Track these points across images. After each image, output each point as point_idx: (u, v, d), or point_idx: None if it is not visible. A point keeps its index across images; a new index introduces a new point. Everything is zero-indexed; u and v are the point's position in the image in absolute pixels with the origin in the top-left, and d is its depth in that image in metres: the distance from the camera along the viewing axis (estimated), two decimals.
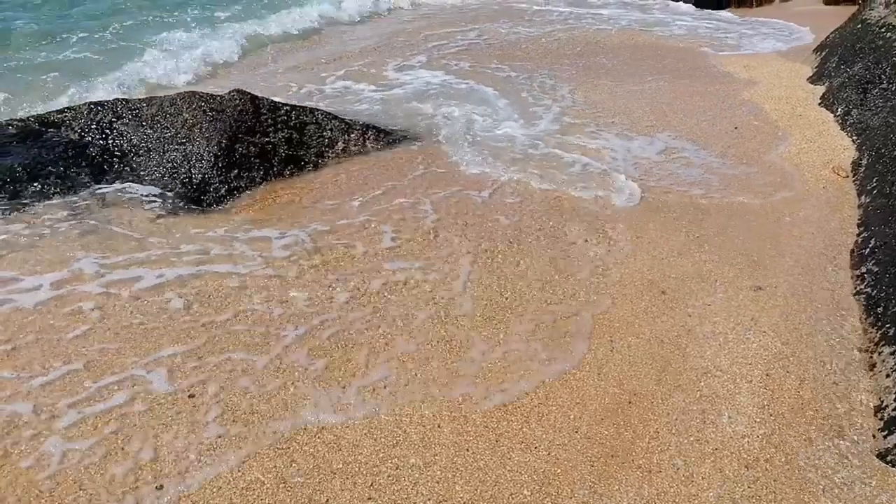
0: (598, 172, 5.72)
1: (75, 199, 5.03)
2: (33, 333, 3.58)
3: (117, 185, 5.25)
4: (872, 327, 3.91)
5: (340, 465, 2.89)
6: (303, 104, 6.45)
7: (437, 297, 4.05)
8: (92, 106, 5.71)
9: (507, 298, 4.07)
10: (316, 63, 9.14)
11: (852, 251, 4.64)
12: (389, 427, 3.09)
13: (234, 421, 3.07)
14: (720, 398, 3.36)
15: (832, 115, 6.61)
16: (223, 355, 3.47)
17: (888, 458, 3.05)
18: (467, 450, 2.99)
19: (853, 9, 8.99)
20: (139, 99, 5.84)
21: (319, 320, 3.79)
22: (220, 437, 2.98)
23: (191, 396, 3.19)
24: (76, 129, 5.54)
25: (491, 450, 3.01)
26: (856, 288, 4.28)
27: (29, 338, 3.54)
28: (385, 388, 3.32)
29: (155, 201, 5.07)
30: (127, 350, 3.49)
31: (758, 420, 3.23)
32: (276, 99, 6.28)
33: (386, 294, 4.07)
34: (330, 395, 3.25)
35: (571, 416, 3.21)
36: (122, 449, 2.91)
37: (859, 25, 7.73)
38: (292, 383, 3.32)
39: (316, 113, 6.26)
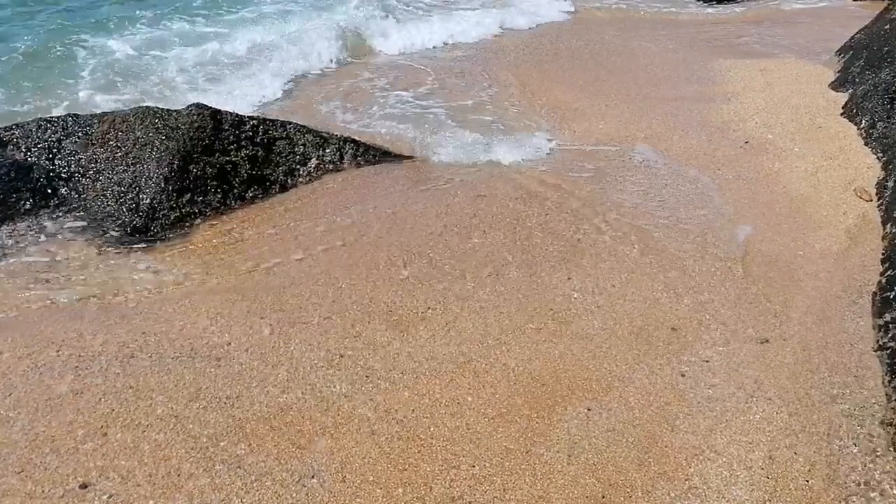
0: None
1: (11, 229, 4.60)
2: None
3: (60, 213, 4.81)
4: None
5: None
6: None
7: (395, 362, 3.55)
8: (41, 122, 5.26)
9: (469, 350, 3.56)
10: None
11: (874, 294, 4.06)
12: None
13: None
14: (713, 491, 2.82)
15: (855, 128, 5.98)
16: (132, 431, 3.00)
17: None
18: None
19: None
20: (92, 115, 5.38)
21: (235, 386, 3.31)
22: None
23: (83, 487, 2.71)
24: (22, 148, 5.10)
25: None
26: (878, 341, 3.70)
27: None
28: (313, 477, 2.82)
29: (98, 232, 4.61)
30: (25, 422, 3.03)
31: None
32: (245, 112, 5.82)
33: (323, 367, 3.57)
34: (231, 483, 2.76)
35: None
36: None
37: (887, 26, 7.06)
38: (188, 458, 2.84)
39: (287, 127, 5.75)
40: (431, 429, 3.08)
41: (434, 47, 9.09)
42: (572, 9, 11.00)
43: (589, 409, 3.22)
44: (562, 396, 3.30)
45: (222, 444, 2.93)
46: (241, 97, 7.03)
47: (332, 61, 8.33)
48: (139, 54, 7.99)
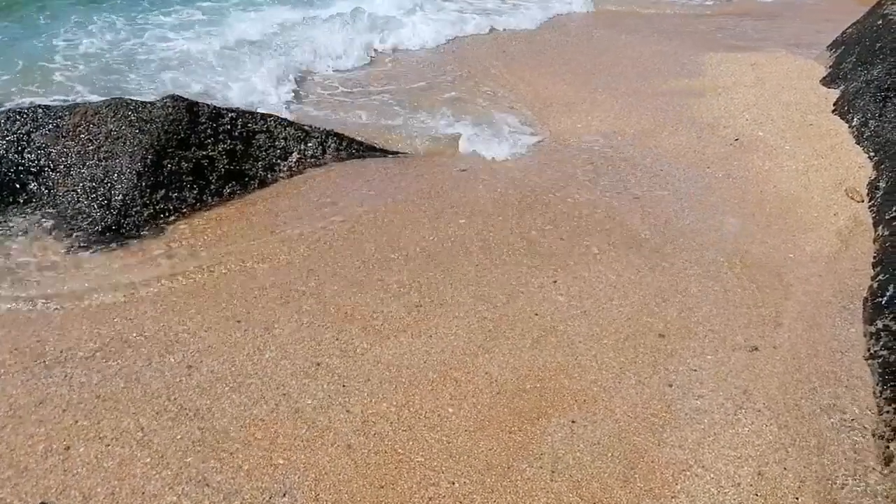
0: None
1: None
2: None
3: (29, 209, 4.64)
4: (889, 405, 3.25)
5: None
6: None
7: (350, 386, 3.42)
8: (10, 114, 5.06)
9: (438, 359, 3.44)
10: None
11: (865, 300, 3.97)
12: None
13: None
14: None
15: (846, 126, 5.89)
16: (95, 446, 2.86)
17: None
18: None
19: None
20: (62, 106, 5.18)
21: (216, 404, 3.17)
22: None
23: None
24: None
25: None
26: (869, 349, 3.61)
27: None
28: (284, 496, 2.70)
29: (67, 230, 4.44)
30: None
31: None
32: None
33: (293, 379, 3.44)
34: None
35: None
36: None
37: (880, 21, 6.96)
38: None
39: (268, 119, 5.58)
40: (410, 443, 2.96)
41: (424, 47, 8.82)
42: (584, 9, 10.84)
43: (573, 422, 3.11)
44: (545, 408, 3.19)
45: (189, 459, 2.80)
46: (223, 91, 6.81)
47: (322, 57, 8.09)
48: (116, 45, 7.74)
